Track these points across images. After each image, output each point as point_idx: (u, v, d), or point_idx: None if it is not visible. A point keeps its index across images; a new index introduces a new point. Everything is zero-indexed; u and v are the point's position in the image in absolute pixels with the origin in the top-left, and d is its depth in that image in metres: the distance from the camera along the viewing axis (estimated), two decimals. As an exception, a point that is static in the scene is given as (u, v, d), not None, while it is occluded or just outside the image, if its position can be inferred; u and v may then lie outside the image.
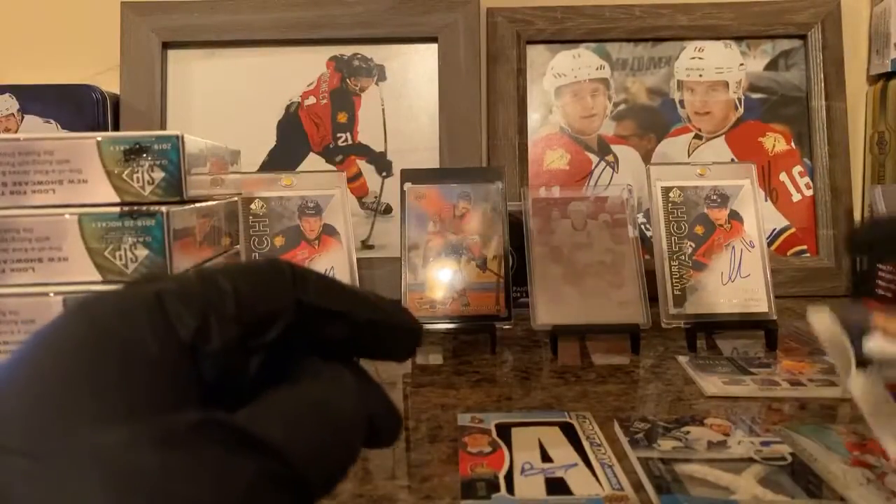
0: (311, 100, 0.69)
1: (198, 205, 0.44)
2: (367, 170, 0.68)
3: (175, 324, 0.17)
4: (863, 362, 0.31)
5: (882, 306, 0.33)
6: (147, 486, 0.14)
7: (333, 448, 0.17)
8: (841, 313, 0.32)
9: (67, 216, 0.38)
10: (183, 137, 0.40)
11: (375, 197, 0.68)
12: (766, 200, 0.68)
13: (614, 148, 0.70)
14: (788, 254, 0.68)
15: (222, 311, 0.18)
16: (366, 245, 0.68)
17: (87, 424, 0.15)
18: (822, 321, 0.32)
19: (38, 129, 0.64)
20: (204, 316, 0.17)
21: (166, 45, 0.67)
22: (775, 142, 0.69)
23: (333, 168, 0.67)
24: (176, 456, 0.14)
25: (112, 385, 0.15)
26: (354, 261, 0.54)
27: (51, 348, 0.16)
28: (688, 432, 0.36)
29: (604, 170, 0.69)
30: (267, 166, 0.68)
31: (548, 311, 0.51)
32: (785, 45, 0.70)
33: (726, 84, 0.69)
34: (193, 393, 0.17)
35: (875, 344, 0.32)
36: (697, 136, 0.69)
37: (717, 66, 0.69)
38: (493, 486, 0.31)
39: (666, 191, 0.54)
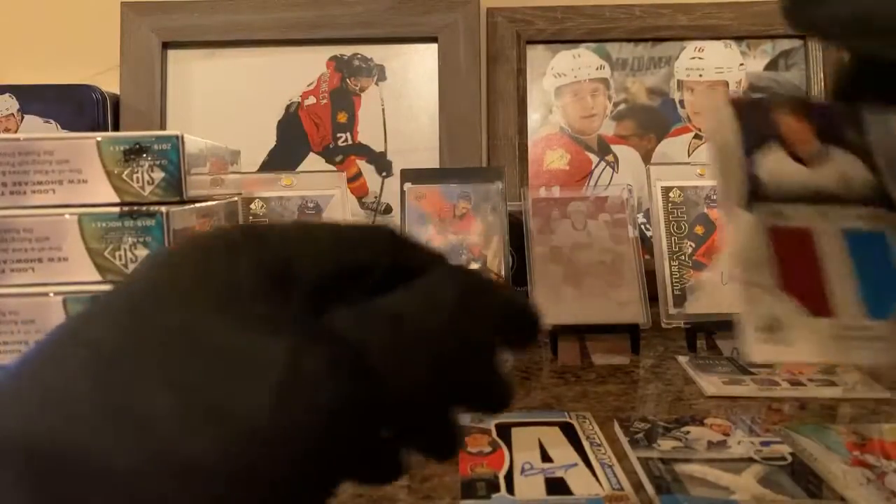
0: (311, 100, 0.69)
1: (198, 205, 0.44)
2: (367, 170, 0.68)
3: (267, 250, 0.18)
4: (752, 193, 0.23)
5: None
6: (227, 353, 0.15)
7: (414, 355, 0.17)
8: (745, 113, 0.24)
9: (67, 216, 0.38)
10: (183, 137, 0.40)
11: (375, 197, 0.68)
12: (766, 200, 0.68)
13: (614, 148, 0.70)
14: (788, 254, 0.68)
15: (313, 250, 0.19)
16: (366, 245, 0.68)
17: (179, 308, 0.16)
18: (719, 117, 0.24)
19: (38, 130, 0.64)
20: (296, 250, 0.18)
21: (166, 45, 0.67)
22: (775, 142, 0.69)
23: (333, 168, 0.67)
24: (253, 335, 0.16)
25: (206, 284, 0.17)
26: (354, 261, 0.54)
27: (171, 259, 0.18)
28: (688, 432, 0.36)
29: (604, 170, 0.69)
30: (267, 166, 0.68)
31: (548, 311, 0.51)
32: (785, 45, 0.70)
33: (726, 84, 0.69)
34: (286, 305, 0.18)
35: (773, 161, 0.24)
36: (697, 136, 0.69)
37: (717, 66, 0.69)
38: (493, 486, 0.31)
39: (666, 191, 0.54)
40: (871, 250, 0.23)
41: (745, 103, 0.24)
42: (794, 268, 0.22)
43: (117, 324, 0.16)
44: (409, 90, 0.69)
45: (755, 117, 0.24)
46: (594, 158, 0.70)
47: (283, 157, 0.68)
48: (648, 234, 0.64)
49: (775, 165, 0.24)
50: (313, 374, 0.16)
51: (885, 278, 0.23)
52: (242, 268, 0.17)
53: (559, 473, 0.32)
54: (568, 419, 0.38)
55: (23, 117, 0.65)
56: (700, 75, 0.69)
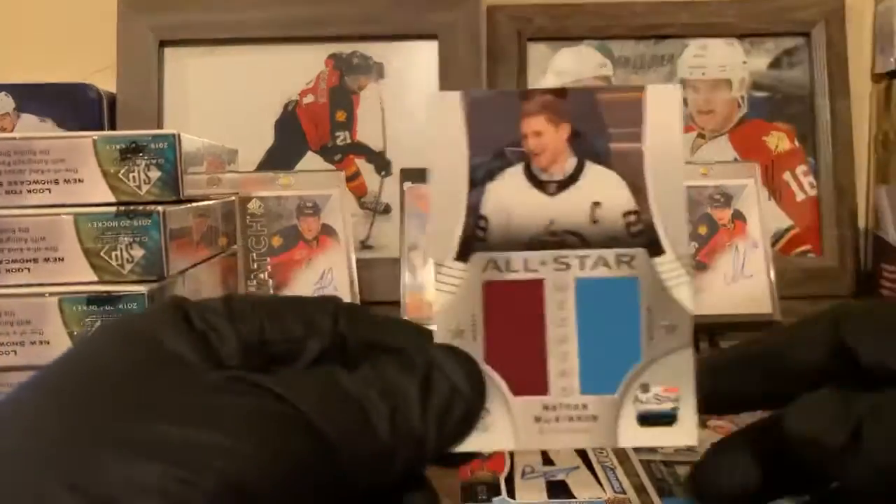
0: (310, 98, 0.68)
1: (194, 204, 0.44)
2: (366, 169, 0.68)
3: (195, 322, 0.18)
4: (470, 239, 0.18)
5: None
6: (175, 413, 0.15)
7: (359, 428, 0.16)
8: (480, 118, 0.18)
9: (63, 216, 0.38)
10: (179, 136, 0.40)
11: (374, 196, 0.68)
12: (769, 200, 0.68)
13: (616, 147, 0.69)
14: (792, 254, 0.67)
15: (240, 320, 0.18)
16: (365, 245, 0.67)
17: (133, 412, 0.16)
18: (443, 124, 0.18)
19: (35, 129, 0.64)
20: (220, 321, 0.18)
21: (163, 44, 0.67)
22: (779, 141, 0.69)
23: (332, 167, 0.67)
24: (212, 399, 0.15)
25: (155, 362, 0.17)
26: (353, 261, 0.54)
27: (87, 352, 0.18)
28: (691, 435, 0.36)
29: (605, 169, 0.69)
30: (265, 165, 0.67)
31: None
32: (788, 42, 0.69)
33: (729, 82, 0.69)
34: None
35: (507, 192, 0.18)
36: (700, 135, 0.69)
37: (720, 64, 0.69)
38: (493, 490, 0.31)
39: (668, 190, 0.54)
40: (611, 306, 0.19)
41: (482, 102, 0.18)
42: (511, 334, 0.18)
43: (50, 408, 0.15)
44: (408, 88, 0.68)
45: (493, 123, 0.18)
46: (596, 157, 0.69)
47: (281, 156, 0.67)
48: (650, 233, 0.64)
49: (508, 197, 0.18)
50: (269, 432, 0.15)
51: (618, 342, 0.19)
52: (172, 339, 0.17)
53: (560, 476, 0.32)
54: (569, 421, 0.38)
55: (19, 116, 0.64)
56: (703, 73, 0.69)
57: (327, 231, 0.53)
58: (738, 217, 0.53)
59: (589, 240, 0.19)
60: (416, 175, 0.55)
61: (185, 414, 0.15)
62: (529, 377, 0.19)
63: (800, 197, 0.68)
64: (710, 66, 0.69)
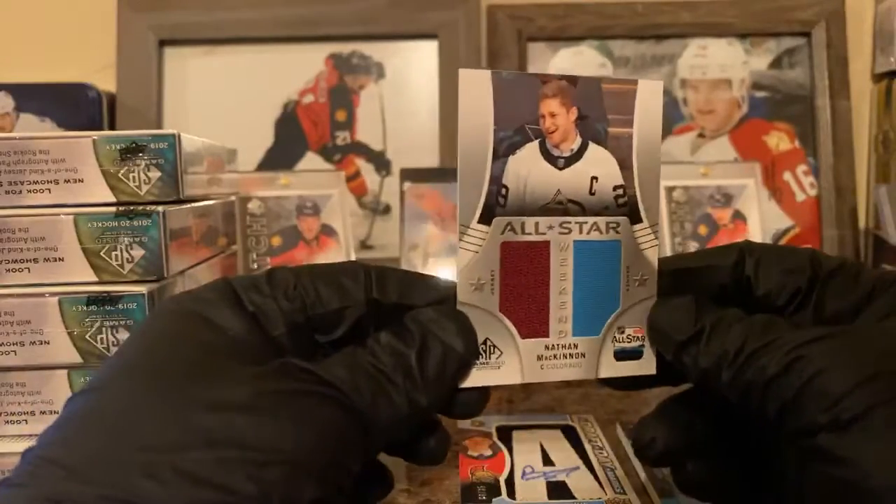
0: (310, 98, 0.68)
1: (194, 204, 0.44)
2: (366, 169, 0.68)
3: (245, 303, 0.20)
4: (493, 205, 0.21)
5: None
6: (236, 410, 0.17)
7: (383, 402, 0.19)
8: (505, 96, 0.20)
9: (63, 216, 0.38)
10: (180, 136, 0.40)
11: (374, 196, 0.68)
12: (769, 200, 0.68)
13: (616, 147, 0.69)
14: (792, 253, 0.67)
15: (284, 298, 0.20)
16: (365, 245, 0.67)
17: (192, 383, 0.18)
18: (472, 99, 0.20)
19: (34, 128, 0.63)
20: (267, 301, 0.20)
21: (163, 43, 0.67)
22: (779, 141, 0.69)
23: (332, 167, 0.67)
24: (265, 389, 0.17)
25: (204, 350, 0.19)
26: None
27: (147, 334, 0.20)
28: (691, 435, 0.36)
29: (605, 169, 0.69)
30: (264, 165, 0.67)
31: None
32: (789, 42, 0.69)
33: (730, 82, 0.69)
34: (270, 355, 0.19)
35: (525, 164, 0.21)
36: (701, 135, 0.69)
37: (720, 64, 0.69)
38: (493, 490, 0.31)
39: (669, 190, 0.54)
40: (600, 264, 0.22)
41: (508, 81, 0.21)
42: (522, 287, 0.22)
43: (124, 397, 0.17)
44: (408, 88, 0.68)
45: (516, 102, 0.21)
46: (596, 157, 0.69)
47: (281, 156, 0.67)
48: (650, 233, 0.64)
49: (526, 169, 0.21)
50: (315, 414, 0.17)
51: (603, 293, 0.22)
52: (229, 322, 0.19)
53: (561, 477, 0.32)
54: (570, 422, 0.38)
55: (18, 116, 0.64)
56: (703, 73, 0.69)
57: (327, 231, 0.53)
58: (739, 217, 0.53)
59: (587, 208, 0.22)
60: (416, 175, 0.55)
61: (253, 402, 0.17)
62: (535, 323, 0.22)
63: (800, 197, 0.68)
64: (710, 66, 0.69)
